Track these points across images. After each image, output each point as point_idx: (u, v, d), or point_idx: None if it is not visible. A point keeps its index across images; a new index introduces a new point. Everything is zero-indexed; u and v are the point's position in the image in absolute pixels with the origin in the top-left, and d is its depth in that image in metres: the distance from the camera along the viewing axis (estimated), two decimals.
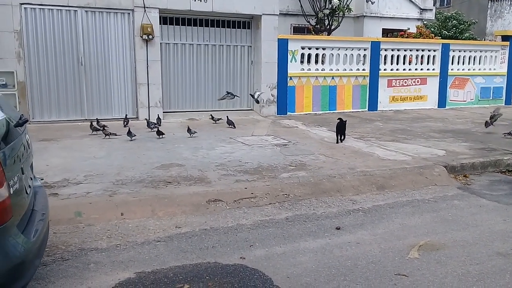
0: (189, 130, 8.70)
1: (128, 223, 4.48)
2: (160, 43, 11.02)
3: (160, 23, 10.89)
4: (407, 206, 5.25)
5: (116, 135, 8.43)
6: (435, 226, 4.61)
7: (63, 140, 8.16)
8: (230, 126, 9.73)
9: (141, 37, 10.55)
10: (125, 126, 9.31)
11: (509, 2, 23.24)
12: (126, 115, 9.98)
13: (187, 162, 6.56)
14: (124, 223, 4.47)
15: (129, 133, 8.20)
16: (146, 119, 9.69)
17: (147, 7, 10.50)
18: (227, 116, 10.04)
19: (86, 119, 10.12)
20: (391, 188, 5.84)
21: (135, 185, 5.36)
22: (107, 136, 8.34)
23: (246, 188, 5.36)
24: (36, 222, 2.99)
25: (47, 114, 10.22)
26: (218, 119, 10.26)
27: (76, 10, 10.14)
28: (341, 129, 8.35)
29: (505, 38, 15.55)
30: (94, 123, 8.98)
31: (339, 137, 8.36)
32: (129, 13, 10.57)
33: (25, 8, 9.71)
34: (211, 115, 10.57)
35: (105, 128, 8.62)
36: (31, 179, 3.24)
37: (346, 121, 8.42)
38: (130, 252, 3.86)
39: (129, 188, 5.21)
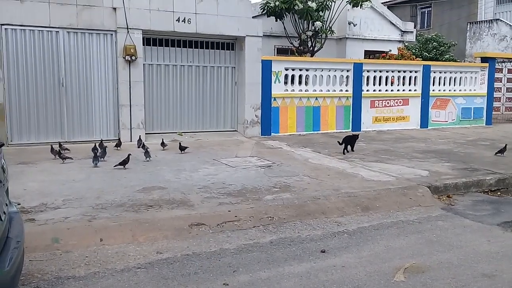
0: (181, 147, 9.03)
1: (108, 249, 4.35)
2: (143, 64, 10.96)
3: (143, 44, 10.85)
4: (392, 227, 5.21)
5: (72, 159, 8.11)
6: (420, 247, 4.57)
7: (41, 163, 7.98)
8: (182, 151, 9.19)
9: (124, 58, 10.48)
10: (117, 148, 9.17)
11: (488, 25, 23.78)
12: (102, 140, 9.45)
13: (170, 184, 6.45)
14: (104, 249, 4.33)
15: (126, 160, 7.61)
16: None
17: (130, 28, 10.47)
18: (180, 143, 9.53)
19: (66, 141, 9.95)
20: (375, 209, 5.80)
21: (115, 209, 5.23)
22: (64, 160, 8.01)
23: (229, 211, 5.27)
24: (11, 250, 2.86)
25: (26, 137, 10.01)
26: (165, 145, 9.63)
27: (58, 31, 10.05)
28: (351, 141, 9.40)
29: (484, 59, 15.85)
30: (56, 146, 8.58)
31: (345, 149, 9.21)
32: (111, 34, 10.52)
33: (5, 29, 9.59)
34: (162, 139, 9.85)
35: (61, 152, 8.24)
36: (6, 205, 3.13)
37: (358, 135, 9.66)
38: (109, 280, 3.73)
39: (109, 213, 5.08)
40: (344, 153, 9.15)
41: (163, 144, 9.40)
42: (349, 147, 9.43)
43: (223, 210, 5.29)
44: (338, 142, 9.53)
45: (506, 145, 9.23)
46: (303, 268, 4.02)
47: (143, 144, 9.16)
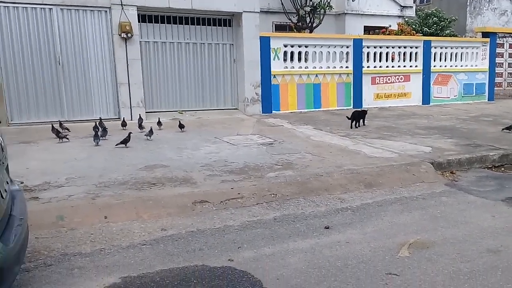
0: (180, 125, 8.97)
1: (112, 226, 4.34)
2: (140, 41, 10.84)
3: (139, 21, 10.71)
4: (396, 203, 5.20)
5: (68, 139, 8.04)
6: (424, 223, 4.57)
7: (43, 142, 7.94)
8: (182, 129, 9.11)
9: (119, 35, 10.36)
10: (123, 128, 9.11)
11: None
12: (100, 118, 9.45)
13: (172, 163, 6.42)
14: (108, 227, 4.33)
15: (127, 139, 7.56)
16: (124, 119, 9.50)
17: (124, 5, 10.30)
18: (179, 121, 9.38)
19: (67, 120, 9.89)
20: (379, 186, 5.79)
21: (118, 187, 5.21)
22: (61, 140, 7.98)
23: (232, 188, 5.25)
24: (14, 228, 2.86)
25: (26, 116, 9.96)
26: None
27: (51, 8, 9.90)
28: (360, 116, 9.64)
29: (485, 34, 15.72)
30: (56, 126, 8.50)
31: (354, 123, 9.46)
32: (106, 11, 10.36)
33: None
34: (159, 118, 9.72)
35: (60, 131, 8.18)
36: (7, 183, 3.10)
37: (367, 110, 9.96)
38: (115, 257, 3.73)
39: (112, 191, 5.06)
40: (351, 128, 9.37)
41: (159, 123, 9.31)
42: (360, 122, 9.74)
43: (226, 187, 5.28)
44: (347, 117, 9.71)
45: None
46: (307, 244, 4.02)
47: (141, 124, 9.06)
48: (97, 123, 8.58)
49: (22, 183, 5.17)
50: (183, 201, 4.89)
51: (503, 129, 9.05)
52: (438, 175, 6.34)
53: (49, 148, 7.49)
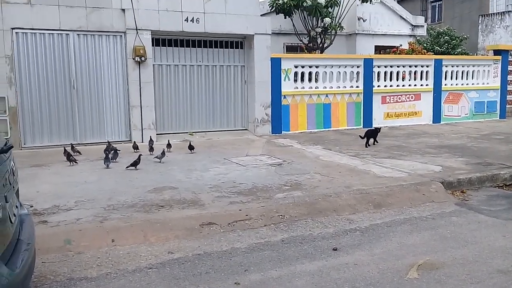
0: (190, 147, 9.08)
1: (119, 250, 4.36)
2: (153, 64, 10.99)
3: (152, 45, 10.88)
4: (405, 224, 5.15)
5: (77, 162, 8.08)
6: (434, 244, 4.52)
7: (54, 165, 8.04)
8: (191, 151, 9.17)
9: (133, 59, 10.53)
10: (135, 150, 9.12)
11: (500, 17, 23.47)
12: (108, 141, 9.51)
13: (181, 184, 6.45)
14: (115, 250, 4.35)
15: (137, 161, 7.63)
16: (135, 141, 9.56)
17: (139, 29, 10.50)
18: (190, 142, 9.48)
19: (79, 143, 10.01)
20: (388, 206, 5.75)
21: (126, 210, 5.24)
22: (71, 163, 8.02)
23: (240, 210, 5.26)
24: (21, 252, 2.88)
25: (39, 139, 10.10)
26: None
27: (68, 34, 10.12)
28: (373, 134, 9.79)
29: (497, 52, 15.62)
30: (68, 149, 8.53)
31: (367, 141, 9.63)
32: (121, 36, 10.57)
33: (16, 33, 9.69)
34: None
35: (70, 154, 8.19)
36: (17, 207, 3.14)
37: (380, 128, 10.17)
38: (121, 281, 3.74)
39: (120, 213, 5.09)
40: (366, 146, 9.54)
41: (168, 145, 9.24)
42: (371, 141, 9.81)
43: (234, 209, 5.28)
44: (360, 136, 9.88)
45: None
46: (315, 267, 3.99)
47: (152, 146, 9.10)
48: (112, 146, 8.68)
49: (31, 206, 5.23)
50: (190, 223, 4.90)
51: None
52: (448, 195, 6.27)
53: (60, 171, 7.57)
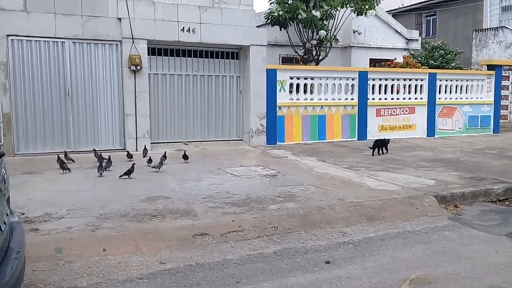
0: (184, 156, 9.04)
1: (110, 259, 4.32)
2: (149, 73, 11.00)
3: (148, 54, 10.90)
4: (398, 238, 5.14)
5: (70, 170, 8.04)
6: (426, 258, 4.51)
7: (47, 173, 7.99)
8: (186, 160, 9.14)
9: (129, 68, 10.53)
10: (129, 159, 9.09)
11: (493, 32, 23.67)
12: (94, 149, 9.48)
13: (174, 194, 6.42)
14: (106, 260, 4.31)
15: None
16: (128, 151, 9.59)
17: (135, 38, 10.51)
18: (185, 151, 9.43)
19: (72, 151, 9.96)
20: (381, 219, 5.74)
21: (119, 219, 5.20)
22: (64, 171, 7.99)
23: (233, 221, 5.23)
24: (11, 261, 2.85)
25: (33, 147, 10.05)
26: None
27: (64, 42, 10.11)
28: (382, 144, 10.38)
29: (490, 67, 15.77)
30: (62, 156, 8.49)
31: (376, 151, 10.23)
32: (117, 44, 10.57)
33: (11, 39, 9.67)
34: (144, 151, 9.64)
35: (64, 162, 8.15)
36: (7, 215, 3.11)
37: (389, 140, 10.73)
38: None
39: (112, 223, 5.06)
40: (373, 155, 10.14)
41: (164, 156, 9.11)
42: (382, 150, 10.41)
43: (227, 220, 5.26)
44: (369, 147, 10.48)
45: None
46: (307, 280, 3.97)
47: (145, 155, 9.08)
48: (102, 154, 8.61)
49: (23, 214, 5.19)
50: (183, 233, 4.87)
51: None
52: (442, 209, 6.27)
53: (53, 179, 7.52)
